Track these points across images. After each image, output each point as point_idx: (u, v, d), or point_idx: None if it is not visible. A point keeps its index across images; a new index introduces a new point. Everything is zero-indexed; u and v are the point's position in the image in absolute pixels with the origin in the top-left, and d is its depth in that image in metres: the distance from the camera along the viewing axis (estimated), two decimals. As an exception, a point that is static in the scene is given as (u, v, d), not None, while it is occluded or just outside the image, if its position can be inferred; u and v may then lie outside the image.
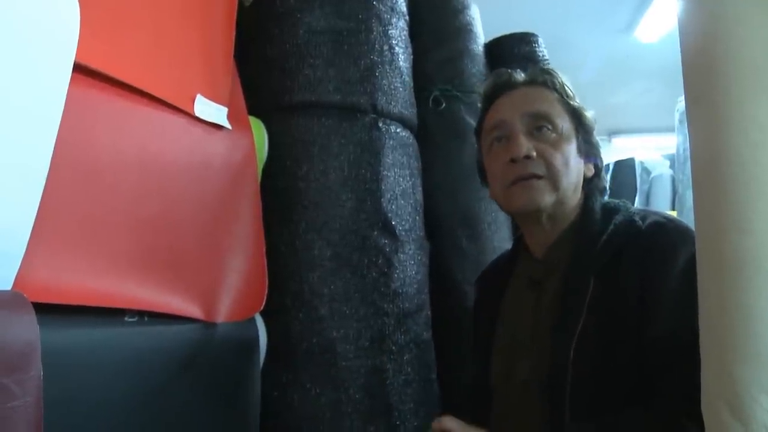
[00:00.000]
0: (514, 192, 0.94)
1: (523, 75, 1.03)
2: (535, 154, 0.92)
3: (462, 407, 1.03)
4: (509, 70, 1.04)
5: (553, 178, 0.93)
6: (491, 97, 1.04)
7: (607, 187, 1.04)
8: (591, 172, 1.00)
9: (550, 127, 0.95)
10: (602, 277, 0.87)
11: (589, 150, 0.99)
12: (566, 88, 1.00)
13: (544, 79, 1.00)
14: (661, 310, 0.81)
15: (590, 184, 1.00)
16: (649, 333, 0.81)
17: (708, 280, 0.50)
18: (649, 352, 0.81)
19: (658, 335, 0.80)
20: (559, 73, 1.02)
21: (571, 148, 0.95)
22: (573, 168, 0.95)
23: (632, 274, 0.85)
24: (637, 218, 0.90)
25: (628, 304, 0.83)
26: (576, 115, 0.98)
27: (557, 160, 0.93)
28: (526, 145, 0.93)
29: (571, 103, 0.98)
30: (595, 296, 0.86)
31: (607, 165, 4.51)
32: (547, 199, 0.93)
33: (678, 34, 0.54)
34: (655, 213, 0.93)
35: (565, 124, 0.96)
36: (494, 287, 1.06)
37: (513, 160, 0.93)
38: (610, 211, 0.95)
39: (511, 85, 1.02)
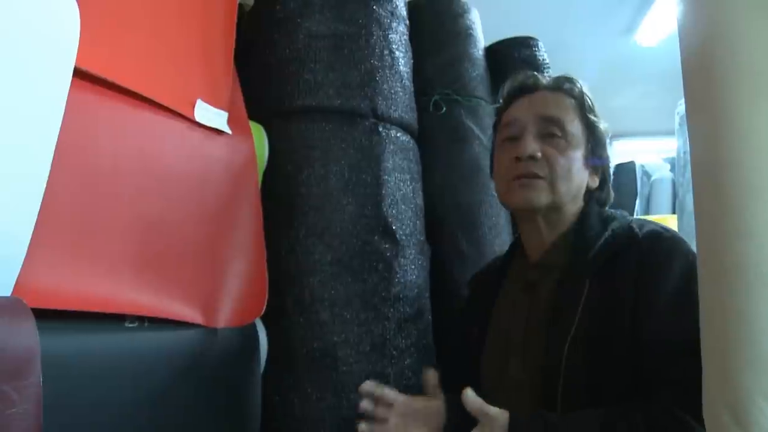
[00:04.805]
0: (514, 188, 0.97)
1: (547, 79, 1.05)
2: (540, 155, 0.95)
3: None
4: (536, 73, 1.07)
5: (553, 180, 0.95)
6: (513, 95, 1.06)
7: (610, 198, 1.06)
8: (595, 183, 1.02)
9: (560, 133, 0.97)
10: (598, 280, 0.89)
11: (596, 162, 1.01)
12: (586, 98, 1.02)
13: (566, 86, 1.02)
14: (658, 314, 0.83)
15: (592, 195, 1.02)
16: (645, 336, 0.82)
17: (708, 285, 0.50)
18: (646, 354, 0.82)
19: (656, 338, 0.81)
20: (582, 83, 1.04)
21: (577, 156, 0.97)
22: (575, 175, 0.97)
23: (628, 279, 0.86)
24: (634, 226, 0.93)
25: (622, 307, 0.85)
26: (589, 127, 1.00)
27: (560, 165, 0.95)
28: (532, 146, 0.95)
29: (587, 114, 1.00)
30: (590, 298, 0.87)
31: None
32: (543, 198, 0.95)
33: (678, 37, 0.55)
34: (653, 223, 0.95)
35: (575, 131, 0.98)
36: (487, 289, 1.08)
37: (518, 159, 0.96)
38: (607, 218, 0.97)
39: (533, 87, 1.04)
